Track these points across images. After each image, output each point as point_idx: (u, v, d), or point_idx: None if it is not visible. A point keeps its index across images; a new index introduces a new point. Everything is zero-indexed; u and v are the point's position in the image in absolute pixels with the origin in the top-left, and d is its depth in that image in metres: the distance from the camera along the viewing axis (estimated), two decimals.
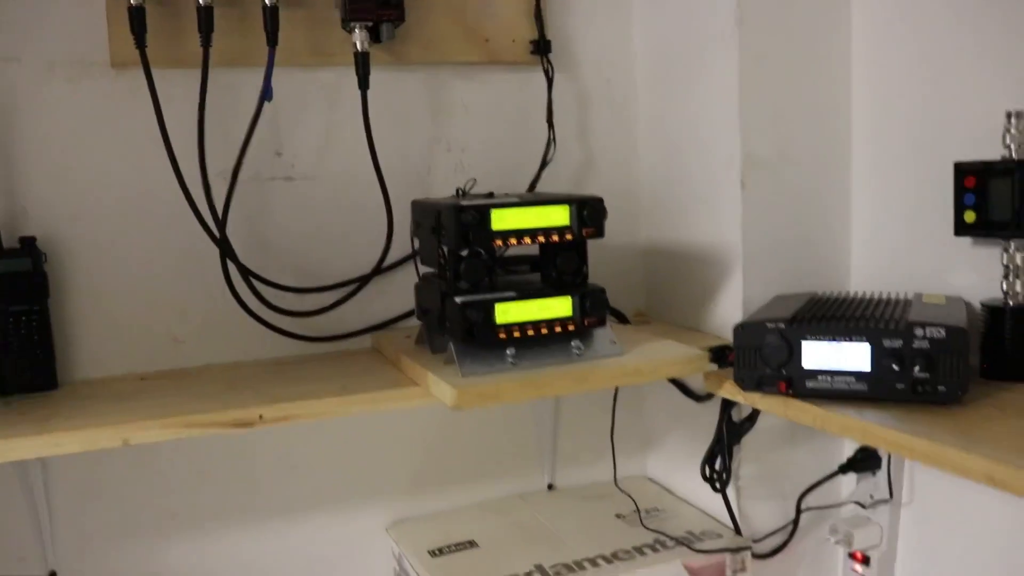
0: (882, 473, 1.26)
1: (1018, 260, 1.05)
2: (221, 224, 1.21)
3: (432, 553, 1.30)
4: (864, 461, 1.26)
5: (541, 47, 1.37)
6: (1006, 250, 1.05)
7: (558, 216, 1.10)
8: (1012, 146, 1.03)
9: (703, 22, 1.28)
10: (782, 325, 1.04)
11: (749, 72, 1.22)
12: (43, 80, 1.18)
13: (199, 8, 1.16)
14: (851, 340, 1.01)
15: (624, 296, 1.45)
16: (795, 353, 1.04)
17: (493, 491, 1.47)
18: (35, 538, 1.22)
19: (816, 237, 1.29)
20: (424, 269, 1.21)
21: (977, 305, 1.09)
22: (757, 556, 1.33)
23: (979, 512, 1.17)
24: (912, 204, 1.21)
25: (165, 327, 1.26)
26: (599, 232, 1.12)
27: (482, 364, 1.08)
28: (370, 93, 1.25)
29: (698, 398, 1.35)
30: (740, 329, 1.07)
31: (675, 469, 1.49)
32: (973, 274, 1.13)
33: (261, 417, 1.04)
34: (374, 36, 1.25)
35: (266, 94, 1.20)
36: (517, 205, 1.08)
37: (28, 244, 1.14)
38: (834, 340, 1.02)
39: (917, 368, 0.97)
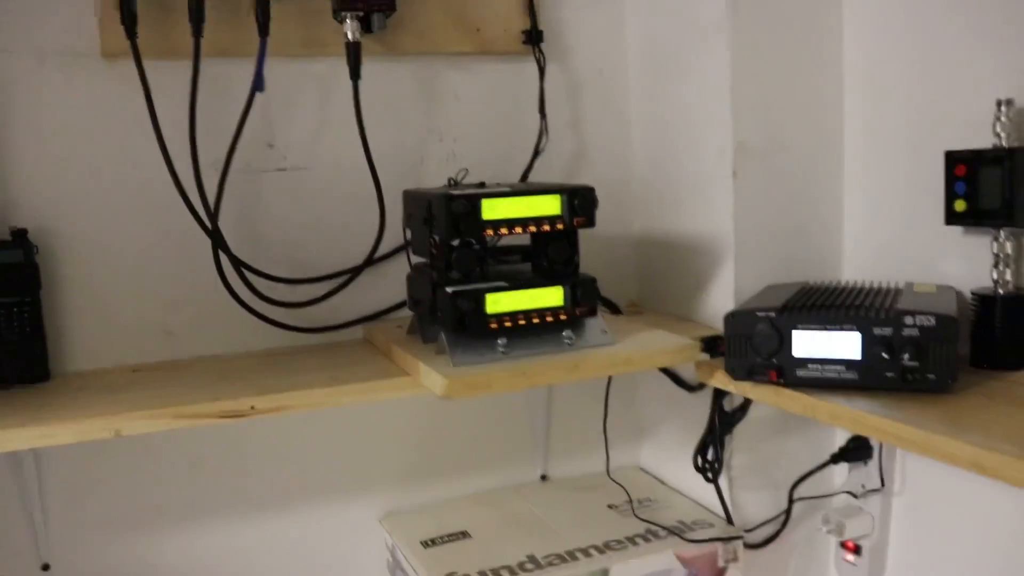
0: (873, 463, 1.26)
1: (1008, 249, 1.05)
2: (213, 215, 1.20)
3: (425, 544, 1.30)
4: (856, 451, 1.26)
5: (533, 37, 1.37)
6: (996, 239, 1.05)
7: (549, 206, 1.10)
8: (1002, 134, 1.03)
9: (695, 11, 1.28)
10: (772, 314, 1.04)
11: (741, 62, 1.22)
12: (34, 71, 1.17)
13: None
14: (841, 329, 1.01)
15: (617, 286, 1.45)
16: (785, 342, 1.04)
17: (486, 482, 1.47)
18: (28, 531, 1.22)
19: (808, 226, 1.29)
20: (416, 259, 1.21)
21: (968, 294, 1.09)
22: (749, 546, 1.33)
23: (971, 501, 1.17)
24: (904, 193, 1.21)
25: (157, 319, 1.26)
26: (590, 222, 1.12)
27: (473, 354, 1.08)
28: (362, 84, 1.25)
29: (690, 388, 1.35)
30: (731, 318, 1.07)
31: (668, 459, 1.49)
32: (964, 263, 1.13)
33: (253, 408, 1.04)
34: (365, 26, 1.25)
35: (257, 85, 1.20)
36: (508, 195, 1.08)
37: (19, 236, 1.13)
38: (824, 329, 1.02)
39: (907, 356, 0.98)
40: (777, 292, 1.16)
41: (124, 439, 1.03)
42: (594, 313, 1.14)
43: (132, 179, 1.22)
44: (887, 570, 1.31)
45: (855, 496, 1.29)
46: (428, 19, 1.32)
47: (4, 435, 0.96)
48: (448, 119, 1.37)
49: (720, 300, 1.27)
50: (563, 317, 1.12)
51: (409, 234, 1.21)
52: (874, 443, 1.26)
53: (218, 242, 1.21)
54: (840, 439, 1.31)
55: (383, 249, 1.31)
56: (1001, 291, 1.05)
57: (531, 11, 1.37)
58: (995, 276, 1.06)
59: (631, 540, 1.28)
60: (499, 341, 1.09)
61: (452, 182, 1.19)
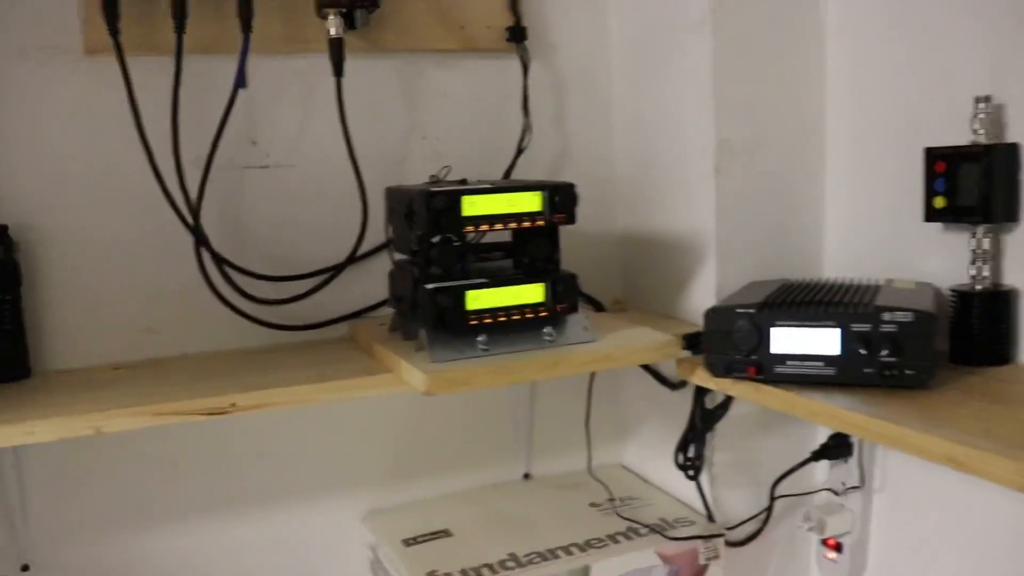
0: (854, 460, 1.27)
1: (985, 245, 1.05)
2: (195, 212, 1.20)
3: (406, 542, 1.30)
4: (836, 448, 1.26)
5: (517, 34, 1.37)
6: (974, 235, 1.06)
7: (529, 202, 1.10)
8: (980, 131, 1.04)
9: (678, 9, 1.28)
10: (752, 310, 1.05)
11: (723, 59, 1.22)
12: (14, 66, 1.16)
13: None
14: (820, 325, 1.01)
15: (601, 284, 1.45)
16: (765, 338, 1.04)
17: (469, 481, 1.47)
18: (7, 531, 1.21)
19: (790, 224, 1.30)
20: (398, 256, 1.21)
21: (947, 290, 1.10)
22: (731, 543, 1.33)
23: (951, 498, 1.17)
24: (885, 190, 1.22)
25: (139, 316, 1.26)
26: (571, 218, 1.12)
27: (454, 351, 1.08)
28: (345, 80, 1.25)
29: (672, 386, 1.35)
30: (710, 314, 1.08)
31: (650, 457, 1.49)
32: (944, 259, 1.13)
33: (234, 405, 1.04)
34: (348, 23, 1.25)
35: (240, 81, 1.20)
36: (488, 191, 1.08)
37: None
38: (803, 325, 1.02)
39: (885, 352, 0.98)
40: (758, 289, 1.16)
41: (106, 437, 1.03)
42: (575, 310, 1.14)
43: (114, 176, 1.22)
44: (868, 567, 1.31)
45: (836, 493, 1.30)
46: (411, 16, 1.32)
47: None
48: (431, 116, 1.37)
49: (702, 297, 1.27)
50: (544, 314, 1.12)
51: (391, 231, 1.21)
52: (855, 440, 1.27)
53: (200, 239, 1.21)
54: (821, 436, 1.31)
55: (366, 246, 1.31)
56: (979, 287, 1.06)
57: (515, 8, 1.37)
58: (973, 272, 1.06)
59: (612, 538, 1.28)
60: (480, 338, 1.09)
61: (434, 179, 1.19)
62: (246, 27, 1.19)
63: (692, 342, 1.17)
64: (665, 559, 1.26)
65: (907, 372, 0.98)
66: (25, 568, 1.23)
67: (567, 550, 1.25)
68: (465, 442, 1.47)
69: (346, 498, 1.40)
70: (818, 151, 1.30)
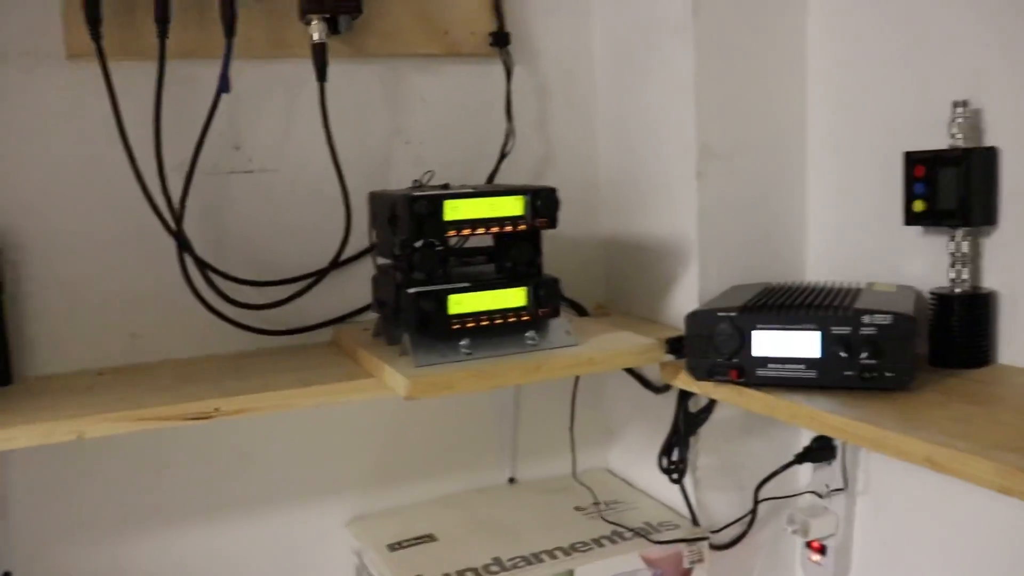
0: (837, 462, 1.27)
1: (964, 248, 1.06)
2: (178, 217, 1.20)
3: (391, 547, 1.30)
4: (819, 451, 1.27)
5: (500, 39, 1.37)
6: (953, 238, 1.06)
7: (511, 206, 1.10)
8: (958, 135, 1.04)
9: (660, 13, 1.29)
10: (733, 313, 1.05)
11: (704, 64, 1.23)
12: None
13: None
14: (801, 328, 1.02)
15: (585, 288, 1.45)
16: (746, 341, 1.05)
17: (454, 485, 1.47)
18: None
19: (772, 228, 1.30)
20: (382, 261, 1.21)
21: (927, 294, 1.10)
22: (715, 547, 1.33)
23: (934, 500, 1.18)
24: (866, 194, 1.23)
25: (122, 322, 1.26)
26: (552, 222, 1.13)
27: (436, 355, 1.08)
28: (329, 85, 1.25)
29: (656, 389, 1.35)
30: (691, 318, 1.08)
31: (635, 461, 1.49)
32: (924, 263, 1.14)
33: (217, 410, 1.03)
34: (332, 28, 1.25)
35: (223, 86, 1.20)
36: (470, 196, 1.09)
37: None
38: (784, 328, 1.03)
39: (865, 355, 0.98)
40: (740, 292, 1.17)
41: (91, 443, 1.03)
42: (557, 314, 1.14)
43: (97, 181, 1.22)
44: (852, 569, 1.31)
45: (820, 496, 1.30)
46: (395, 21, 1.33)
47: None
48: (415, 121, 1.37)
49: (685, 301, 1.27)
50: (526, 318, 1.12)
51: (374, 236, 1.21)
52: (838, 443, 1.27)
53: (183, 244, 1.21)
54: (805, 439, 1.31)
55: (350, 251, 1.31)
56: (958, 290, 1.07)
57: (498, 13, 1.37)
58: (952, 275, 1.07)
59: (597, 542, 1.28)
60: (462, 342, 1.09)
61: (417, 183, 1.20)
62: (229, 32, 1.19)
63: (675, 346, 1.17)
64: (649, 563, 1.26)
65: (887, 374, 0.98)
66: (7, 575, 1.22)
67: (551, 554, 1.25)
68: (450, 447, 1.47)
69: (331, 503, 1.40)
70: (800, 155, 1.31)
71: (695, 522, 1.34)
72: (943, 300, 1.07)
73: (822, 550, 1.32)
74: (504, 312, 1.11)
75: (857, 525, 1.30)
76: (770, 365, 1.04)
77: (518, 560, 1.24)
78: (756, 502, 1.31)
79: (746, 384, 1.06)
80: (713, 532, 1.33)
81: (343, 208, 1.28)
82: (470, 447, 1.48)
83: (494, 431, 1.49)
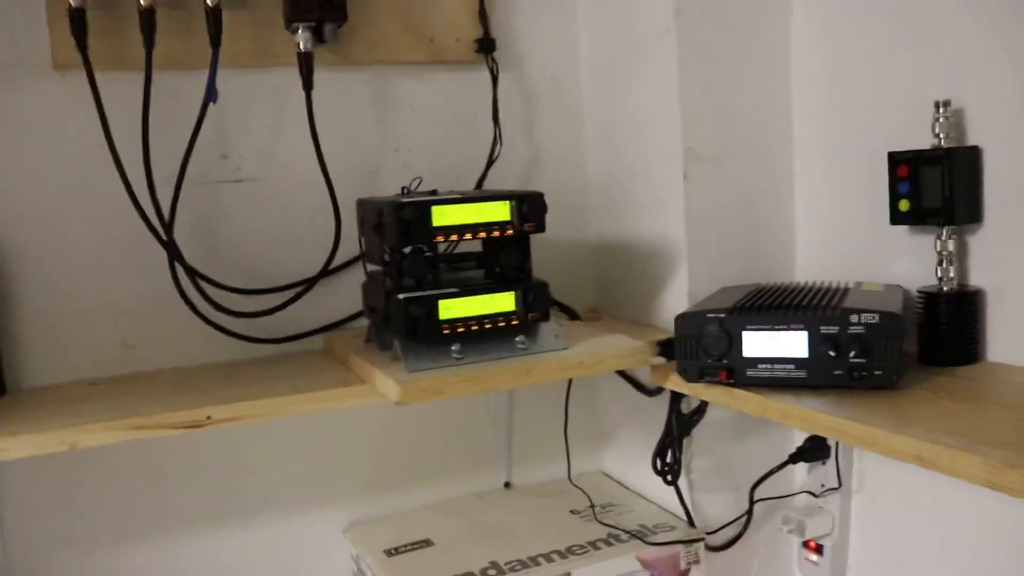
0: (831, 462, 1.27)
1: (950, 247, 1.06)
2: (168, 227, 1.21)
3: (388, 552, 1.30)
4: (813, 450, 1.27)
5: (485, 46, 1.38)
6: (939, 237, 1.07)
7: (498, 212, 1.11)
8: (941, 134, 1.05)
9: (644, 18, 1.29)
10: (722, 315, 1.05)
11: (688, 66, 1.23)
12: None
13: (141, 9, 1.15)
14: (789, 328, 1.02)
15: (576, 293, 1.45)
16: (735, 342, 1.05)
17: (450, 491, 1.47)
18: None
19: (761, 229, 1.31)
20: (372, 268, 1.21)
21: (915, 292, 1.11)
22: (711, 548, 1.33)
23: (929, 498, 1.18)
24: (853, 194, 1.23)
25: (115, 332, 1.26)
26: (540, 227, 1.13)
27: (427, 360, 1.08)
28: (316, 94, 1.26)
29: (649, 392, 1.36)
30: (681, 320, 1.08)
31: (630, 464, 1.49)
32: (912, 262, 1.14)
33: (209, 418, 1.04)
34: (318, 36, 1.26)
35: (210, 96, 1.20)
36: (457, 201, 1.09)
37: None
38: (773, 328, 1.03)
39: (853, 354, 0.99)
40: (729, 294, 1.17)
41: (87, 453, 1.04)
42: (547, 318, 1.15)
43: (87, 192, 1.22)
44: (849, 568, 1.32)
45: (815, 495, 1.30)
46: (381, 29, 1.33)
47: None
48: (402, 128, 1.38)
49: (676, 304, 1.27)
50: (516, 322, 1.12)
51: (364, 243, 1.21)
52: (831, 442, 1.27)
53: (174, 254, 1.21)
54: (798, 439, 1.31)
55: (340, 259, 1.31)
56: (945, 288, 1.07)
57: (483, 20, 1.38)
58: (939, 274, 1.07)
59: (593, 544, 1.28)
60: (453, 347, 1.10)
61: (405, 190, 1.20)
62: (215, 42, 1.19)
63: (666, 348, 1.18)
64: (646, 564, 1.27)
65: (876, 373, 0.98)
66: None
67: (548, 557, 1.25)
68: (446, 452, 1.47)
69: (328, 509, 1.40)
70: (786, 156, 1.31)
71: (691, 524, 1.34)
72: (930, 298, 1.07)
73: (818, 549, 1.32)
74: (494, 317, 1.11)
75: (853, 524, 1.30)
76: (760, 366, 1.04)
77: (515, 564, 1.24)
78: (751, 503, 1.31)
79: (736, 385, 1.06)
80: (709, 533, 1.33)
81: (332, 216, 1.28)
82: (466, 452, 1.48)
83: (489, 436, 1.49)
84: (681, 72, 1.23)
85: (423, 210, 1.07)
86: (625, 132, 1.38)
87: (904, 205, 1.09)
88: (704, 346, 1.07)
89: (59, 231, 1.22)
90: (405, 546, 1.32)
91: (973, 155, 1.05)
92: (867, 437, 0.89)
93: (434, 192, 1.17)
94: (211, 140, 1.27)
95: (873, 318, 0.98)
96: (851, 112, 1.23)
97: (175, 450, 1.30)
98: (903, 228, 1.15)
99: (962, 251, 1.08)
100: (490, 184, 1.40)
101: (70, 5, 1.13)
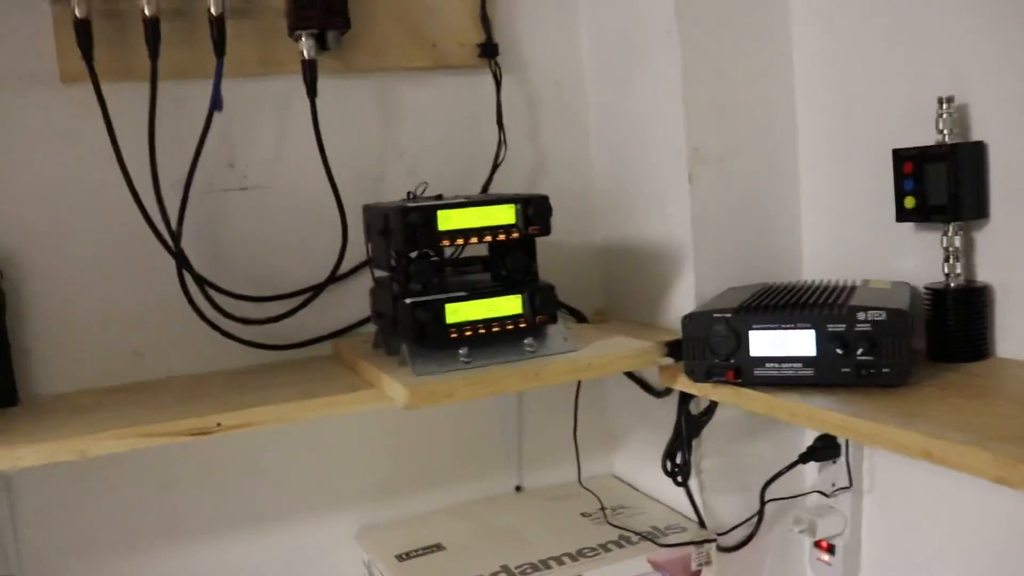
0: (842, 461, 1.27)
1: (957, 243, 1.06)
2: (176, 236, 1.21)
3: (399, 557, 1.30)
4: (823, 450, 1.26)
5: (488, 50, 1.38)
6: (945, 233, 1.06)
7: (504, 215, 1.11)
8: (945, 130, 1.05)
9: (645, 18, 1.29)
10: (729, 314, 1.05)
11: (691, 67, 1.23)
12: None
13: (145, 19, 1.16)
14: (796, 327, 1.02)
15: (583, 296, 1.46)
16: (743, 341, 1.05)
17: (461, 495, 1.47)
18: None
19: (767, 229, 1.31)
20: (379, 273, 1.22)
21: (922, 289, 1.10)
22: (723, 549, 1.33)
23: (940, 496, 1.17)
24: (859, 192, 1.23)
25: (125, 341, 1.27)
26: (545, 230, 1.13)
27: (435, 364, 1.09)
28: (320, 101, 1.26)
29: (658, 394, 1.36)
30: (688, 320, 1.08)
31: (640, 466, 1.49)
32: (919, 259, 1.14)
33: (219, 425, 1.04)
34: (321, 44, 1.26)
35: (215, 105, 1.21)
36: (463, 205, 1.09)
37: None
38: (780, 327, 1.03)
39: (860, 351, 0.98)
40: (736, 293, 1.17)
41: (97, 461, 1.03)
42: (554, 320, 1.15)
43: (95, 202, 1.23)
44: (861, 568, 1.31)
45: (826, 495, 1.30)
46: (384, 35, 1.34)
47: None
48: (407, 134, 1.38)
49: (683, 305, 1.27)
50: (523, 325, 1.13)
51: (370, 248, 1.22)
52: (841, 441, 1.27)
53: (182, 262, 1.22)
54: (808, 439, 1.31)
55: (347, 265, 1.32)
56: (952, 284, 1.07)
57: (486, 24, 1.38)
58: (946, 270, 1.07)
59: (604, 547, 1.28)
60: (460, 351, 1.10)
61: (411, 195, 1.20)
62: (220, 51, 1.20)
63: (674, 349, 1.18)
64: (657, 566, 1.26)
65: (884, 370, 0.98)
66: None
67: (559, 560, 1.25)
68: (456, 457, 1.47)
69: (339, 515, 1.40)
70: (791, 155, 1.31)
71: (702, 525, 1.34)
72: (938, 295, 1.07)
73: (830, 549, 1.32)
74: (501, 320, 1.12)
75: (864, 523, 1.30)
76: (767, 365, 1.04)
77: (526, 567, 1.24)
78: (762, 503, 1.30)
79: (744, 384, 1.06)
80: (720, 534, 1.33)
81: (339, 222, 1.28)
82: (476, 457, 1.48)
83: (499, 440, 1.49)
84: (684, 73, 1.23)
85: (429, 214, 1.07)
86: (629, 134, 1.38)
87: (910, 202, 1.08)
88: (711, 346, 1.06)
89: (68, 242, 1.23)
90: (416, 551, 1.32)
91: (978, 151, 1.05)
92: (876, 434, 0.89)
93: (439, 197, 1.18)
94: (217, 149, 1.27)
95: (880, 315, 0.98)
96: (855, 109, 1.22)
97: (186, 457, 1.30)
98: (909, 225, 1.14)
99: (969, 247, 1.08)
100: (495, 188, 1.41)
101: (75, 17, 1.14)
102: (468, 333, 1.10)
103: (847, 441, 1.27)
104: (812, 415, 0.97)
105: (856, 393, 0.98)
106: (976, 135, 1.05)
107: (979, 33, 1.05)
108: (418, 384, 1.04)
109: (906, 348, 0.97)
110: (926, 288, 1.09)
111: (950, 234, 1.06)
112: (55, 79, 1.19)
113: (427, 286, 1.10)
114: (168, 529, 1.31)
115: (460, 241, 1.09)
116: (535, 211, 1.12)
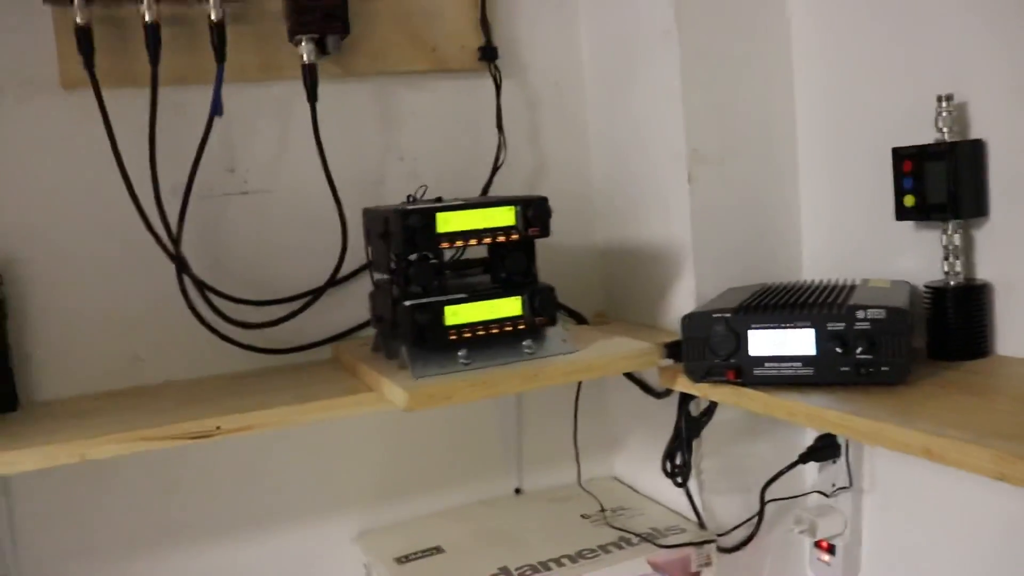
0: (842, 461, 1.27)
1: (956, 241, 1.06)
2: (176, 240, 1.21)
3: (399, 560, 1.30)
4: (824, 449, 1.26)
5: (488, 53, 1.39)
6: (945, 232, 1.07)
7: (503, 217, 1.11)
8: (944, 129, 1.05)
9: (645, 20, 1.30)
10: (728, 314, 1.05)
11: (690, 68, 1.24)
12: None
13: (145, 26, 1.17)
14: (795, 326, 1.02)
15: (583, 298, 1.46)
16: (742, 341, 1.05)
17: (461, 497, 1.47)
18: None
19: (767, 229, 1.31)
20: (379, 276, 1.22)
21: (922, 287, 1.11)
22: (723, 549, 1.33)
23: (941, 495, 1.17)
24: (859, 191, 1.23)
25: (125, 345, 1.27)
26: (544, 231, 1.13)
27: (435, 366, 1.09)
28: (320, 105, 1.27)
29: (658, 395, 1.36)
30: (687, 320, 1.08)
31: (640, 468, 1.49)
32: (918, 257, 1.14)
33: (218, 428, 1.04)
34: (321, 48, 1.27)
35: (216, 110, 1.21)
36: (462, 208, 1.10)
37: None
38: (779, 327, 1.03)
39: (860, 350, 0.98)
40: (735, 294, 1.17)
41: (96, 465, 1.03)
42: (554, 322, 1.15)
43: (96, 207, 1.23)
44: (862, 568, 1.31)
45: (826, 495, 1.30)
46: (384, 39, 1.34)
47: None
48: (407, 138, 1.39)
49: (683, 306, 1.27)
50: (523, 327, 1.13)
51: (370, 252, 1.22)
52: (841, 441, 1.27)
53: (182, 267, 1.22)
54: (808, 439, 1.31)
55: (347, 268, 1.32)
56: (952, 283, 1.07)
57: (485, 28, 1.39)
58: (946, 268, 1.07)
59: (604, 548, 1.28)
60: (460, 353, 1.10)
61: (411, 199, 1.20)
62: (220, 57, 1.21)
63: (674, 350, 1.18)
64: (657, 568, 1.26)
65: (883, 369, 0.98)
66: None
67: (559, 562, 1.25)
68: (455, 459, 1.47)
69: (339, 518, 1.40)
70: (790, 156, 1.31)
71: (702, 526, 1.34)
72: (938, 293, 1.07)
73: (831, 549, 1.32)
74: (501, 322, 1.12)
75: (865, 523, 1.30)
76: (767, 364, 1.04)
77: (525, 569, 1.24)
78: (763, 503, 1.30)
79: (744, 384, 1.06)
80: (720, 535, 1.33)
81: (339, 226, 1.29)
82: (476, 459, 1.48)
83: (499, 443, 1.50)
84: (683, 74, 1.23)
85: (428, 217, 1.07)
86: (629, 136, 1.38)
87: (909, 200, 1.09)
88: (711, 346, 1.06)
89: (68, 247, 1.23)
90: (415, 553, 1.32)
91: (977, 149, 1.05)
92: (875, 432, 0.89)
93: (439, 200, 1.18)
94: (217, 154, 1.28)
95: (880, 314, 0.98)
96: (854, 109, 1.23)
97: (186, 462, 1.30)
98: (909, 224, 1.15)
99: (968, 245, 1.08)
100: (495, 191, 1.41)
101: (76, 23, 1.14)
102: (467, 335, 1.10)
103: (847, 441, 1.27)
104: (811, 414, 0.97)
105: (856, 392, 0.98)
106: (975, 133, 1.06)
107: (978, 31, 1.05)
108: (417, 386, 1.04)
109: (906, 346, 0.98)
110: (926, 286, 1.09)
111: (949, 232, 1.06)
112: (56, 85, 1.20)
113: (426, 288, 1.10)
114: (167, 533, 1.31)
115: (460, 243, 1.09)
116: (534, 213, 1.12)
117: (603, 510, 1.40)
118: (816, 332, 1.01)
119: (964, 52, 1.06)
